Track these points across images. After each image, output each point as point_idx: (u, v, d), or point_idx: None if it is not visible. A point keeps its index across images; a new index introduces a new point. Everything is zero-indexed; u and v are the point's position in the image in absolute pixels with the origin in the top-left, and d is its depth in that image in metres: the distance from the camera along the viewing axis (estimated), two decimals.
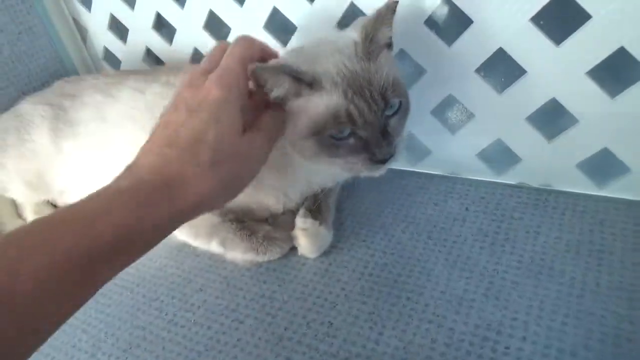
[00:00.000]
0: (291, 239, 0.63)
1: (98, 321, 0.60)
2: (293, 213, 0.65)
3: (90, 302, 0.62)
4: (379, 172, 0.54)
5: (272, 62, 0.52)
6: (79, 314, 0.61)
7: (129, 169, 0.44)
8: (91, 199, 0.40)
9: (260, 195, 0.63)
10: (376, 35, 0.53)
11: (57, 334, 0.59)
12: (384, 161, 0.52)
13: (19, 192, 0.75)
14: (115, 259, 0.39)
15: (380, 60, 0.53)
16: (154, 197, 0.41)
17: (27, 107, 0.77)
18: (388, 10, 0.54)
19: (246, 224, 0.64)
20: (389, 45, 0.57)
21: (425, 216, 0.66)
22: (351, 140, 0.51)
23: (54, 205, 0.79)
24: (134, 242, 0.39)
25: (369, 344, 0.51)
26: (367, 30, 0.52)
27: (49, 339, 0.58)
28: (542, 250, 0.57)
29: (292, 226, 0.64)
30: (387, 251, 0.62)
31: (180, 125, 0.45)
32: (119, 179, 0.42)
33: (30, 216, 0.75)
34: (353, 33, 0.55)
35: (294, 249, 0.64)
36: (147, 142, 0.45)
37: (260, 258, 0.63)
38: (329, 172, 0.63)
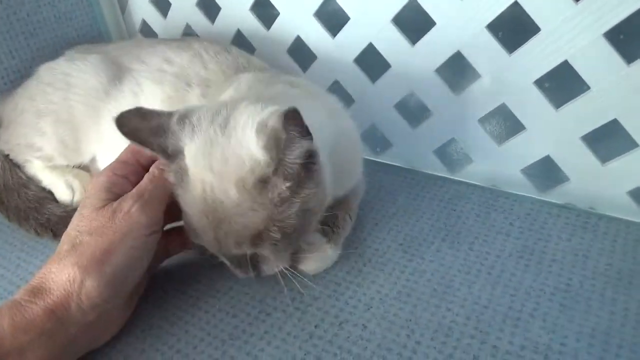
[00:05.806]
0: None
1: None
2: None
3: None
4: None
5: None
6: None
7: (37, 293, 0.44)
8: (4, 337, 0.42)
9: None
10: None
11: None
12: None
13: (57, 157, 0.72)
14: None
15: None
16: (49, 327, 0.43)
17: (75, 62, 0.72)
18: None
19: None
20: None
21: (466, 227, 0.63)
22: None
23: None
24: None
25: (405, 352, 0.48)
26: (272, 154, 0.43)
27: None
28: (592, 275, 0.54)
29: None
30: (425, 257, 0.59)
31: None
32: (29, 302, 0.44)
33: (70, 179, 0.72)
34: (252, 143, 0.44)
35: None
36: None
37: None
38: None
